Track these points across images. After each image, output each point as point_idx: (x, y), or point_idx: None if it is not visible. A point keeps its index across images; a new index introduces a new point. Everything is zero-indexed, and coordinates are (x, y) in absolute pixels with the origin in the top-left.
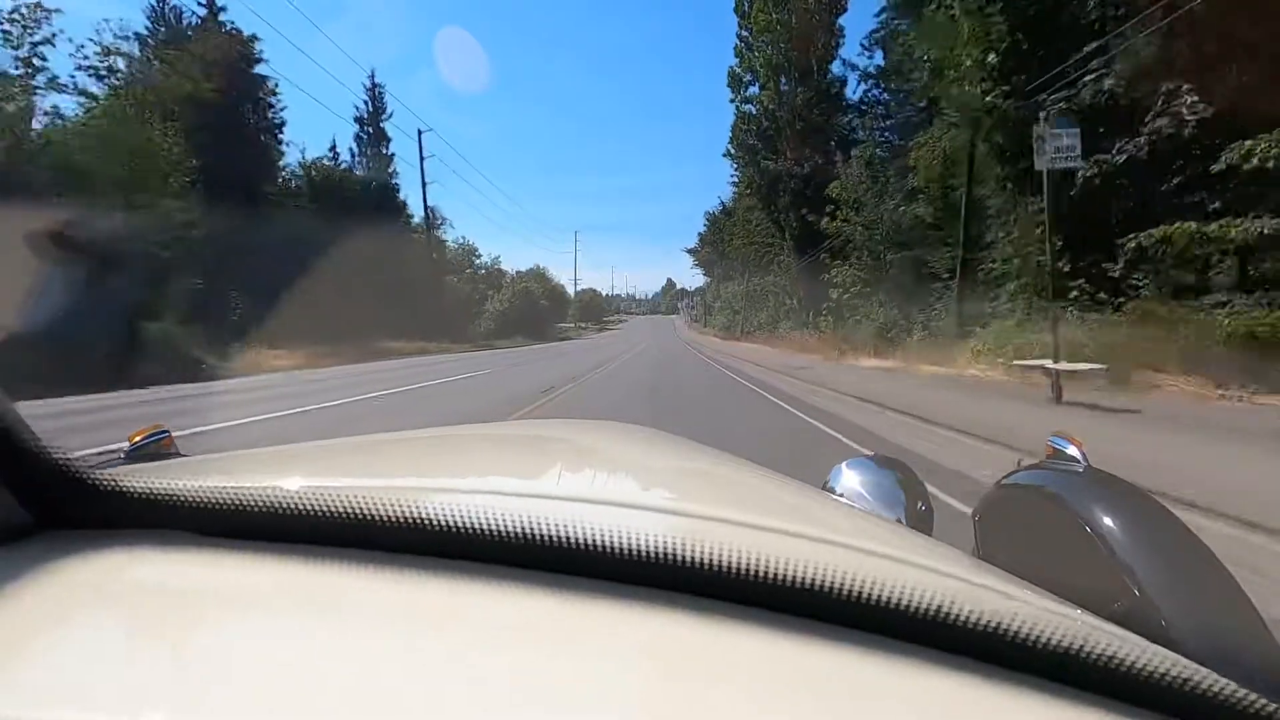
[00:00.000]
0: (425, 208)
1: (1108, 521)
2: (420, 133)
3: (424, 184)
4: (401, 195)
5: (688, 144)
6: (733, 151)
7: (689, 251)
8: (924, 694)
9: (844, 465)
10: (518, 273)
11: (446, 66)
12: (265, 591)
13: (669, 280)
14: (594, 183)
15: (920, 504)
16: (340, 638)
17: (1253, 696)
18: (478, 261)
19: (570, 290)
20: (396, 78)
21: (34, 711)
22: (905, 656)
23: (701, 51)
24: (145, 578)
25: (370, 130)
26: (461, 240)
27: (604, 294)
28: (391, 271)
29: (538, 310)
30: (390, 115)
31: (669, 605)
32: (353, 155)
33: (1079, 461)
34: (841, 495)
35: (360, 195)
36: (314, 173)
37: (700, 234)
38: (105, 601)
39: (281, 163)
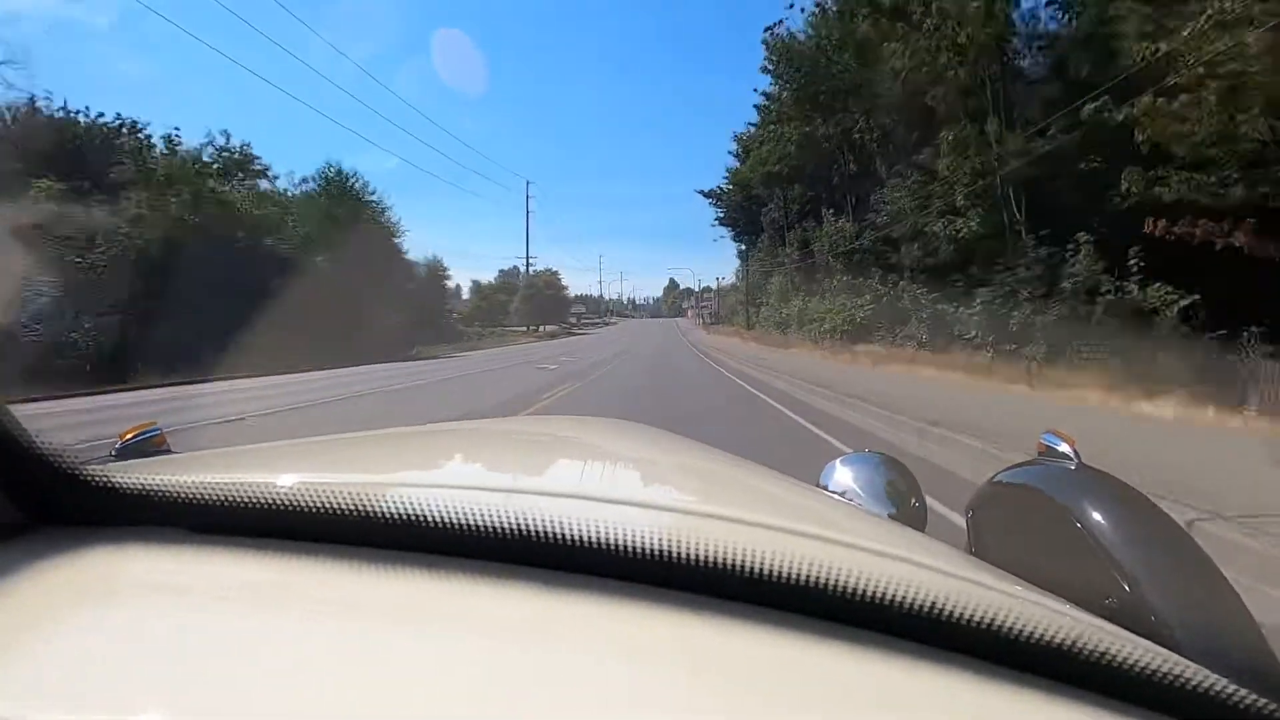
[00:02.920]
0: None
1: (1099, 518)
2: None
3: None
4: None
5: (687, 152)
6: None
7: (708, 195)
8: (915, 689)
9: (838, 462)
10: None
11: (444, 70)
12: (259, 588)
13: (670, 280)
14: (590, 188)
15: (913, 500)
16: (334, 634)
17: (1241, 691)
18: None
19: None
20: (390, 73)
21: (25, 710)
22: (897, 652)
23: (696, 58)
24: (138, 574)
25: None
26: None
27: (597, 295)
28: None
29: (288, 292)
30: None
31: (660, 601)
32: None
33: (1071, 459)
34: (835, 492)
35: None
36: None
37: (745, 135)
38: (97, 598)
39: None
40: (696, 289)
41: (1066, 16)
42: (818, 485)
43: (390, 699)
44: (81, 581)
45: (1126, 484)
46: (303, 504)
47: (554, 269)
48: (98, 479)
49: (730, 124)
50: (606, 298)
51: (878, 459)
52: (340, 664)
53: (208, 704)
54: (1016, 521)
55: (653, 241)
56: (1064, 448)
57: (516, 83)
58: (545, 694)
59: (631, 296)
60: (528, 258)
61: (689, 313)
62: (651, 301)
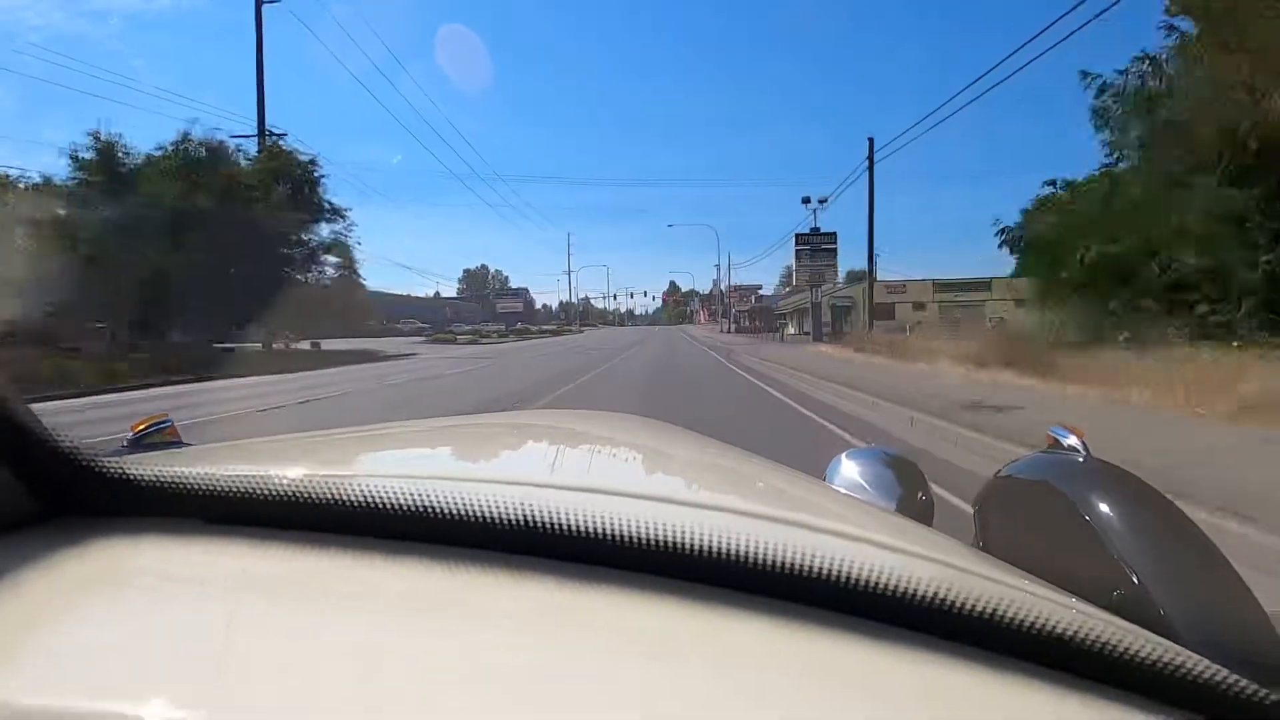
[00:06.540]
0: None
1: (1107, 511)
2: None
3: None
4: None
5: (685, 157)
6: None
7: None
8: (919, 679)
9: (844, 456)
10: None
11: (447, 67)
12: (271, 578)
13: (671, 283)
14: (587, 192)
15: (920, 495)
16: (347, 625)
17: (1248, 683)
18: None
19: None
20: (390, 74)
21: (41, 698)
22: (902, 643)
23: (688, 61)
24: (151, 564)
25: None
26: None
27: (572, 301)
28: None
29: None
30: None
31: (669, 592)
32: None
33: (1079, 451)
34: (841, 486)
35: None
36: None
37: None
38: (113, 587)
39: None
40: (704, 291)
41: None
42: (825, 479)
43: (405, 689)
44: (97, 571)
45: (1135, 476)
46: (316, 496)
47: (303, 150)
48: (113, 470)
49: (726, 126)
50: (603, 309)
51: (884, 454)
52: (354, 654)
53: (221, 693)
54: (1023, 515)
55: (655, 251)
56: (1072, 440)
57: (514, 83)
58: (561, 685)
59: (630, 306)
60: (261, 107)
61: (700, 317)
62: (651, 309)
